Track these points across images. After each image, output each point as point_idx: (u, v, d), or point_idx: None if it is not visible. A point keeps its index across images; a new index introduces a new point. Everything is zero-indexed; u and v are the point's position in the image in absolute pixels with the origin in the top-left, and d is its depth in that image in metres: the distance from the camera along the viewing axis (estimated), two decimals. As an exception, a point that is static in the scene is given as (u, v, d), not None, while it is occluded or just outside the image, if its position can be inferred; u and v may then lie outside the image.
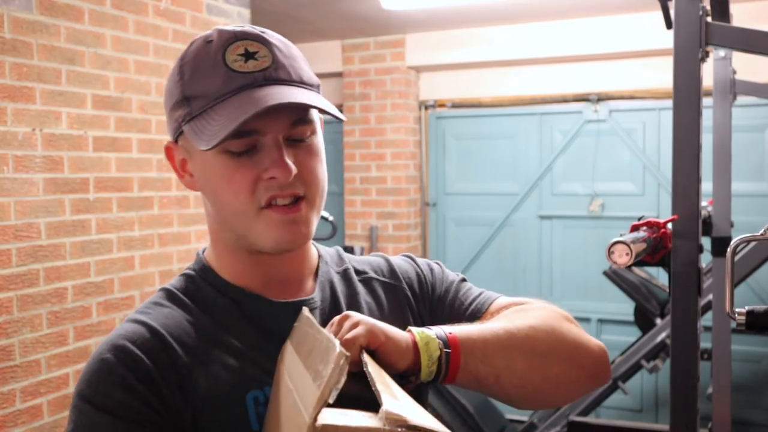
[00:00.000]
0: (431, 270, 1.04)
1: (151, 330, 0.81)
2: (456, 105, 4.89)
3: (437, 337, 0.80)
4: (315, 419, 0.60)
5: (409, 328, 0.82)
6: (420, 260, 1.05)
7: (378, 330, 0.77)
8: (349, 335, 0.75)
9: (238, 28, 0.84)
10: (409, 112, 4.83)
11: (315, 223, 0.87)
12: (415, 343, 0.79)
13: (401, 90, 4.77)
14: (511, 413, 3.77)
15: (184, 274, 0.92)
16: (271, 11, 4.01)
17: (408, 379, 0.79)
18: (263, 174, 0.81)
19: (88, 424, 0.75)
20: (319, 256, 0.98)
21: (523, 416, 3.79)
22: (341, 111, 5.04)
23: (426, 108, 4.97)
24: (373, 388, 0.65)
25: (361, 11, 4.12)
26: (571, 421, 3.25)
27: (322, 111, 0.84)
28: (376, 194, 4.84)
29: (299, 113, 0.83)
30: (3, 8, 2.38)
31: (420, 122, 4.96)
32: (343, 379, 0.63)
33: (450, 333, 0.82)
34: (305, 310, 0.84)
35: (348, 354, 0.64)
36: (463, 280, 1.04)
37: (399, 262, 1.04)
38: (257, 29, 0.85)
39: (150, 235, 3.00)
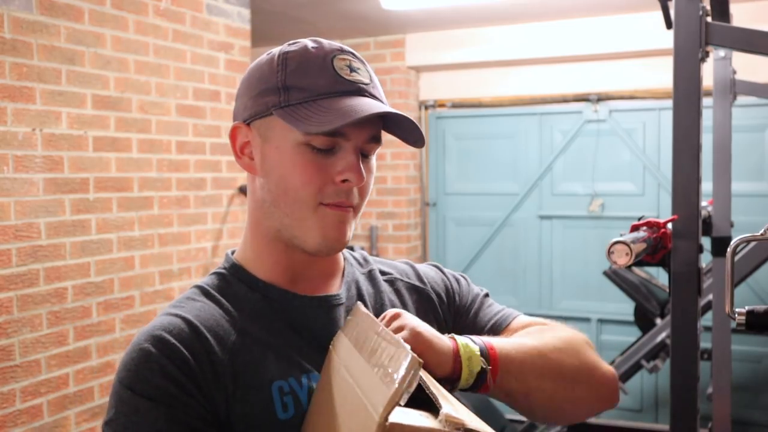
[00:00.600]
0: (457, 280, 1.08)
1: (186, 321, 0.85)
2: (456, 105, 4.89)
3: (480, 351, 0.84)
4: (386, 418, 0.65)
5: (453, 336, 0.85)
6: (447, 270, 1.10)
7: (423, 337, 0.81)
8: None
9: (339, 45, 0.92)
10: (409, 112, 4.83)
11: (352, 232, 0.93)
12: (457, 354, 0.82)
13: (401, 90, 4.78)
14: (511, 413, 3.77)
15: (215, 273, 0.96)
16: (271, 11, 4.01)
17: (443, 385, 0.81)
18: (336, 176, 0.87)
19: (128, 409, 0.79)
20: (345, 259, 1.02)
21: (523, 417, 3.78)
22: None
23: (426, 108, 4.97)
24: (428, 392, 0.71)
25: (361, 11, 4.12)
26: (571, 421, 3.24)
27: (404, 137, 0.92)
28: (376, 194, 4.84)
29: (377, 130, 0.90)
30: (3, 8, 2.38)
31: (420, 122, 4.96)
32: (414, 384, 0.68)
33: (491, 347, 0.86)
34: (360, 305, 0.91)
35: (421, 361, 0.69)
36: (487, 295, 1.09)
37: (425, 268, 1.09)
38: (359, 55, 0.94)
39: (150, 235, 3.00)
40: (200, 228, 3.28)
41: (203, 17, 3.27)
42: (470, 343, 0.84)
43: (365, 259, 1.06)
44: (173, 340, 0.81)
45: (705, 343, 2.28)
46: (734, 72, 2.61)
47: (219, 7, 3.36)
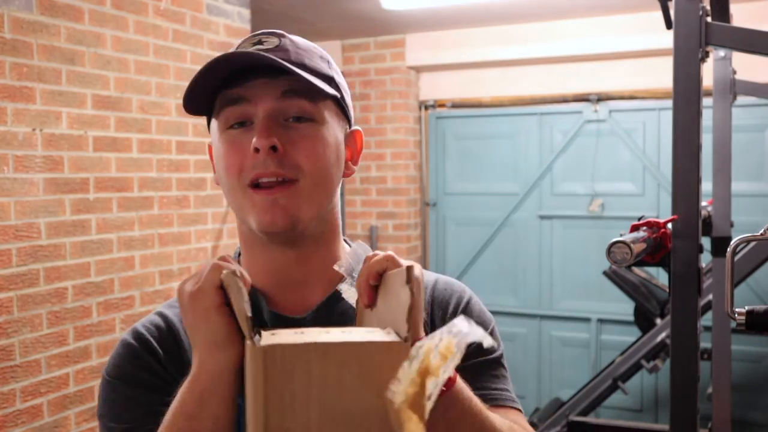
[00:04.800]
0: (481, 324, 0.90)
1: (165, 320, 0.90)
2: (456, 105, 4.89)
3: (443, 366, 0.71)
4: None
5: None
6: (477, 312, 0.95)
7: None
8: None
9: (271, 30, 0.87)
10: (409, 112, 4.84)
11: (308, 210, 0.84)
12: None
13: (401, 90, 4.77)
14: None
15: None
16: (271, 11, 4.01)
17: None
18: (250, 148, 0.81)
19: (109, 392, 0.87)
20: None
21: (523, 416, 3.78)
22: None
23: (426, 108, 4.97)
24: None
25: (361, 11, 4.12)
26: (571, 420, 3.25)
27: (306, 91, 0.83)
28: (376, 194, 4.84)
29: (290, 84, 0.82)
30: (3, 8, 2.38)
31: (420, 122, 4.96)
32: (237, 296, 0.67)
33: (452, 379, 0.73)
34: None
35: (228, 270, 0.68)
36: (501, 357, 0.94)
37: (442, 287, 0.97)
38: (289, 36, 0.87)
39: (150, 235, 3.00)
40: (200, 228, 3.28)
41: (203, 17, 3.27)
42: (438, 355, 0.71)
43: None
44: (148, 336, 0.88)
45: (705, 343, 2.28)
46: (734, 72, 2.61)
47: (219, 7, 3.36)
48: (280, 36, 0.86)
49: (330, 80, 0.88)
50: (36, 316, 2.51)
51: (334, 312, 0.89)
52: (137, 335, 0.88)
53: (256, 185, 0.82)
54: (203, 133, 3.28)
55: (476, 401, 0.77)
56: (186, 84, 0.83)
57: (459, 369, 0.79)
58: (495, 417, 0.80)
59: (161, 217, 3.06)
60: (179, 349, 0.88)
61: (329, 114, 0.87)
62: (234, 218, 3.44)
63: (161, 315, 0.91)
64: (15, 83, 2.43)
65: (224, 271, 0.68)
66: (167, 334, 0.89)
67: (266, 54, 0.81)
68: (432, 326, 0.91)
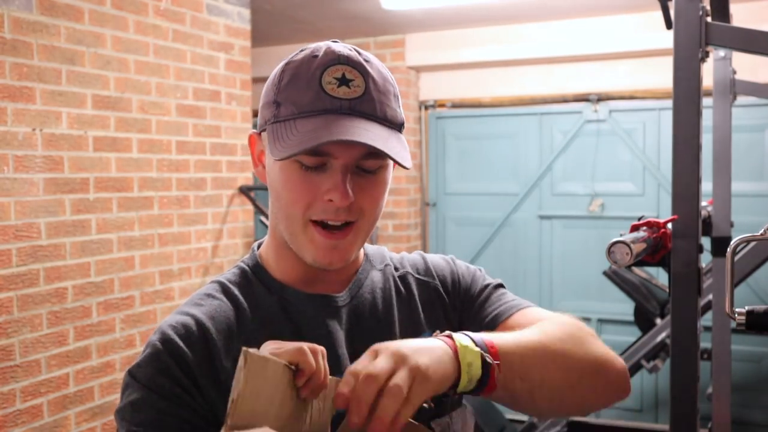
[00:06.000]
0: (469, 271, 1.06)
1: (197, 323, 0.88)
2: (456, 105, 4.89)
3: (480, 351, 0.79)
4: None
5: (451, 335, 0.80)
6: (459, 261, 1.08)
7: (421, 375, 0.73)
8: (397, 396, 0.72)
9: (346, 52, 0.87)
10: (409, 112, 4.84)
11: (358, 247, 0.92)
12: (456, 358, 0.77)
13: (401, 90, 4.75)
14: (511, 413, 3.77)
15: (239, 267, 0.98)
16: (271, 11, 4.01)
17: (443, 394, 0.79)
18: (324, 195, 0.85)
19: (134, 399, 0.85)
20: (365, 255, 1.02)
21: (523, 416, 3.79)
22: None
23: (426, 108, 4.97)
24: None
25: (361, 11, 4.12)
26: (571, 420, 3.25)
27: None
28: (376, 194, 4.84)
29: (371, 150, 0.85)
30: (3, 8, 2.38)
31: (420, 122, 4.96)
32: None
33: (492, 346, 0.81)
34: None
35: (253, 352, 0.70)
36: (499, 286, 1.05)
37: (436, 260, 1.07)
38: (364, 56, 0.89)
39: (150, 235, 3.00)
40: (200, 228, 3.28)
41: (203, 17, 3.27)
42: (471, 345, 0.79)
43: (383, 255, 1.05)
44: (180, 342, 0.86)
45: (705, 343, 2.28)
46: (734, 72, 2.60)
47: (219, 7, 3.36)
48: (363, 73, 0.86)
49: (402, 126, 0.92)
50: (36, 316, 2.51)
51: (364, 290, 0.98)
52: (166, 341, 0.86)
53: (321, 224, 0.87)
54: (203, 133, 3.28)
55: (511, 342, 0.84)
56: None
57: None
58: (530, 334, 0.88)
59: (161, 217, 3.06)
60: (210, 353, 0.87)
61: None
62: (234, 219, 3.45)
63: (191, 316, 0.89)
64: (15, 83, 2.43)
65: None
66: (198, 337, 0.87)
67: (366, 114, 0.85)
68: (446, 289, 1.03)
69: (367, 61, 0.88)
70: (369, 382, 0.70)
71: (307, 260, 0.90)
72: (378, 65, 0.90)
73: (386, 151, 0.83)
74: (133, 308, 2.92)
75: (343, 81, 0.85)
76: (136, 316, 2.93)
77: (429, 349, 0.76)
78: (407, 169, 0.86)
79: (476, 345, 0.79)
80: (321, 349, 0.75)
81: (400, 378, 0.71)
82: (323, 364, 0.74)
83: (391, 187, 4.43)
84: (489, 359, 0.79)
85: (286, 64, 0.89)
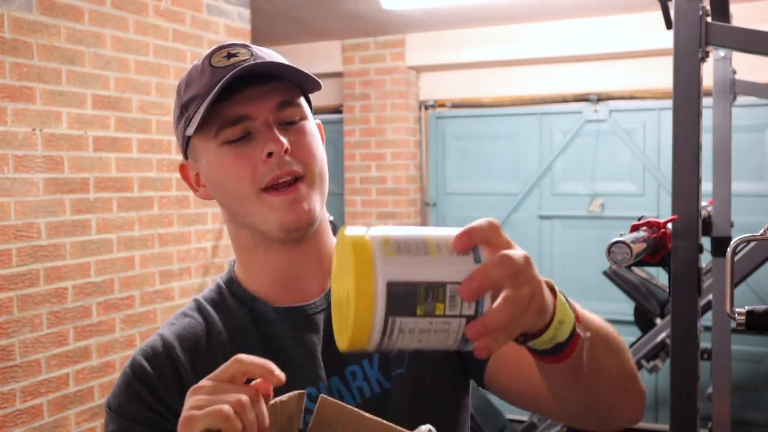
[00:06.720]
0: None
1: (164, 344, 0.90)
2: (456, 105, 4.89)
3: (573, 317, 0.67)
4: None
5: (557, 292, 0.65)
6: None
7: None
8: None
9: (229, 42, 0.92)
10: (409, 112, 4.84)
11: (318, 204, 0.89)
12: (553, 311, 0.63)
13: (401, 90, 4.77)
14: (511, 413, 3.77)
15: (216, 283, 0.98)
16: (271, 11, 4.01)
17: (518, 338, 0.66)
18: (261, 156, 0.85)
19: (113, 429, 0.88)
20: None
21: (523, 416, 3.79)
22: (341, 111, 5.06)
23: (426, 108, 4.97)
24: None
25: (361, 11, 4.12)
26: (571, 421, 3.24)
27: (298, 82, 0.89)
28: (376, 194, 4.84)
29: (284, 95, 0.88)
30: (3, 8, 2.38)
31: (420, 122, 4.96)
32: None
33: (577, 317, 0.68)
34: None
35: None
36: None
37: None
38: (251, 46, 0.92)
39: (150, 235, 3.00)
40: (200, 228, 3.28)
41: (203, 17, 3.27)
42: (567, 308, 0.66)
43: None
44: (148, 367, 0.88)
45: (705, 343, 2.28)
46: (734, 72, 2.60)
47: (219, 7, 3.36)
48: (245, 46, 0.90)
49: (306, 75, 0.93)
50: (36, 316, 2.51)
51: None
52: (136, 366, 0.89)
53: (271, 188, 0.86)
54: (203, 133, 3.28)
55: (589, 320, 0.74)
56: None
57: None
58: (597, 318, 0.78)
59: (161, 217, 3.06)
60: (177, 373, 0.88)
61: (307, 111, 0.93)
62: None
63: (161, 337, 0.91)
64: (15, 83, 2.43)
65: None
66: (165, 358, 0.89)
67: (254, 70, 0.86)
68: None
69: (247, 43, 0.92)
70: (505, 264, 0.57)
71: (273, 232, 0.88)
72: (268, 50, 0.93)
73: (287, 65, 0.86)
74: (133, 308, 2.92)
75: (230, 55, 0.89)
76: (136, 316, 2.93)
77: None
78: (319, 88, 0.90)
79: (571, 309, 0.67)
80: (261, 385, 0.69)
81: (527, 291, 0.58)
82: (253, 419, 0.66)
83: (391, 187, 4.40)
84: (580, 330, 0.67)
85: (180, 82, 0.94)
